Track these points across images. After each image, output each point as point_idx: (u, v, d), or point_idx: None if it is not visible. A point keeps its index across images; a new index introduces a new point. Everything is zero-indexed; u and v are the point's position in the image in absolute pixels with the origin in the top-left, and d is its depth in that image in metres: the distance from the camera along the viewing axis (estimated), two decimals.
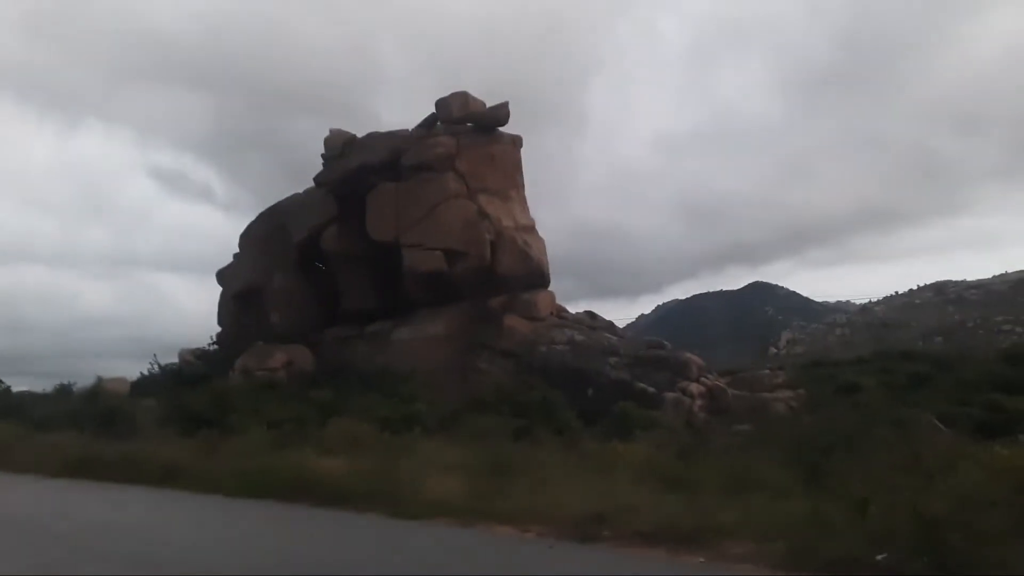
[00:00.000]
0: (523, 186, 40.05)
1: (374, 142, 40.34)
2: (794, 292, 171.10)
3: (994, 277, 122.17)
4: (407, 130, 40.37)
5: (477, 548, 9.33)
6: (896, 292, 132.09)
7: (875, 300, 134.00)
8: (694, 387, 30.21)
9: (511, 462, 13.20)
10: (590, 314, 39.61)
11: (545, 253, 38.00)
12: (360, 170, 39.43)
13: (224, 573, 7.99)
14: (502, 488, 11.75)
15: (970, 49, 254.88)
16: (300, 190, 44.58)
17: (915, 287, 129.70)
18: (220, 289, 46.91)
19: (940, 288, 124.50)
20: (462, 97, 39.19)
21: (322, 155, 42.00)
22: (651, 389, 30.19)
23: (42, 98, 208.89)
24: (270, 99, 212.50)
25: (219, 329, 46.25)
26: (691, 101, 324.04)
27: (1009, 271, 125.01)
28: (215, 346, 45.19)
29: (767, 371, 36.98)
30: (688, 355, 32.51)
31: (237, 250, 46.51)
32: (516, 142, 40.06)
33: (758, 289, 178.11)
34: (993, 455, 8.26)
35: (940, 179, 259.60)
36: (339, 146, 41.14)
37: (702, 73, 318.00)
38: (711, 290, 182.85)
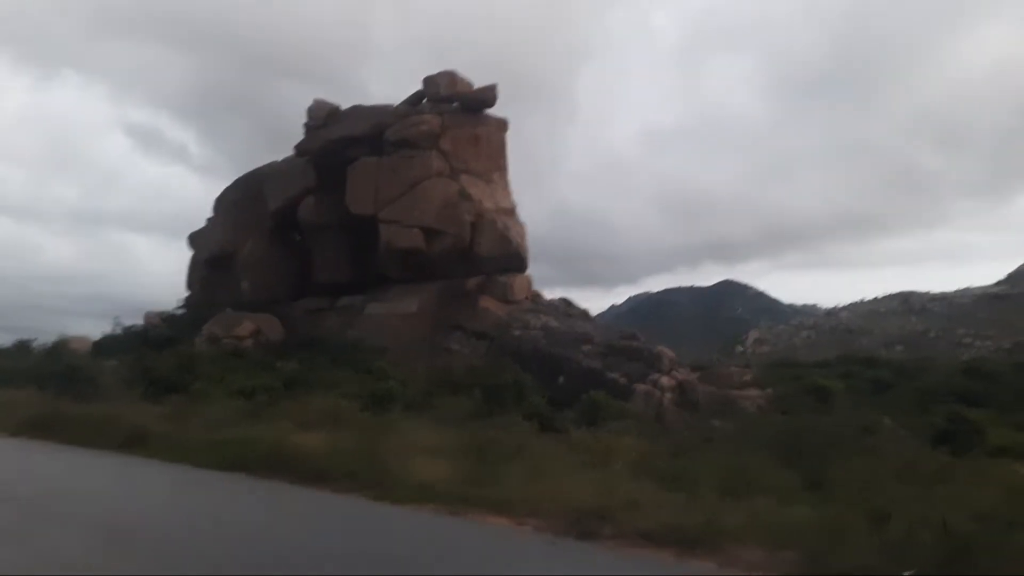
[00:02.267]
0: (506, 169, 39.83)
1: (358, 115, 39.88)
2: (763, 292, 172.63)
3: (958, 291, 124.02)
4: (392, 105, 39.91)
5: (471, 540, 8.79)
6: (863, 299, 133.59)
7: (842, 306, 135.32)
8: (665, 380, 30.23)
9: (500, 447, 12.81)
10: (565, 301, 39.55)
11: (524, 237, 37.85)
12: (342, 142, 39.00)
13: (193, 546, 7.57)
14: (492, 474, 11.31)
15: (956, 63, 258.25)
16: (278, 157, 44.10)
17: (881, 295, 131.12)
18: (191, 253, 46.22)
19: (905, 298, 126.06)
20: (450, 76, 38.81)
21: (305, 124, 41.43)
22: (622, 379, 30.17)
23: (18, 47, 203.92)
24: (254, 62, 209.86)
25: (187, 293, 45.59)
26: (680, 96, 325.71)
27: (973, 286, 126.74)
28: (182, 310, 44.52)
29: (735, 368, 37.13)
30: (661, 348, 32.51)
31: (211, 214, 45.81)
32: (502, 125, 39.77)
33: (729, 287, 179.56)
34: (1008, 473, 8.13)
35: (917, 191, 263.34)
36: (323, 116, 40.60)
37: (693, 69, 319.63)
38: (683, 285, 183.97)
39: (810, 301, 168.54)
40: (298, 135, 42.16)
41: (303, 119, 41.92)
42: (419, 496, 10.75)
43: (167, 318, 41.52)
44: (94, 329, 54.49)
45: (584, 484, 10.24)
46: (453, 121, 38.27)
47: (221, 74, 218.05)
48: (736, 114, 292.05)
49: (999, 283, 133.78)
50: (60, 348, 32.00)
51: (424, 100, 39.50)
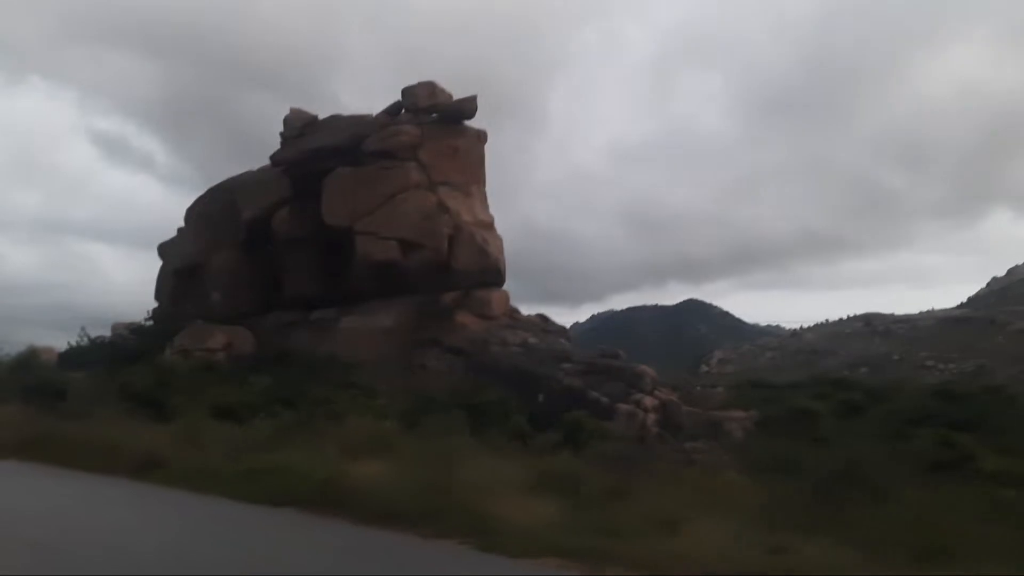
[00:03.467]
0: (484, 182, 38.94)
1: (336, 125, 38.85)
2: (727, 312, 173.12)
3: (921, 313, 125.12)
4: (370, 115, 38.91)
5: None
6: (827, 320, 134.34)
7: (806, 326, 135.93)
8: (648, 400, 29.38)
9: (593, 482, 11.12)
10: (543, 317, 38.65)
11: (502, 251, 36.94)
12: (319, 152, 37.89)
13: None
14: (605, 519, 9.38)
15: (924, 83, 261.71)
16: (246, 168, 42.92)
17: (845, 316, 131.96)
18: (160, 263, 44.69)
19: (869, 320, 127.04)
20: (429, 87, 37.91)
21: (280, 133, 40.25)
22: (604, 399, 29.26)
23: None
24: (223, 71, 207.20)
25: (154, 304, 44.03)
26: (650, 111, 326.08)
27: (935, 308, 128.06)
28: (150, 321, 42.96)
29: (710, 388, 36.44)
30: (643, 367, 31.70)
31: (179, 224, 44.38)
32: (481, 137, 38.93)
33: (693, 306, 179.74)
34: None
35: (881, 212, 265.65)
36: (299, 126, 39.48)
37: (664, 84, 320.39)
38: (647, 303, 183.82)
39: (773, 321, 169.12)
40: (266, 145, 41.05)
41: (273, 129, 40.92)
42: (533, 547, 8.79)
43: (135, 329, 39.97)
44: (56, 340, 52.06)
45: (720, 535, 8.55)
46: (432, 132, 37.36)
47: (189, 83, 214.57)
48: (705, 131, 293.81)
49: (960, 306, 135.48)
50: (30, 359, 29.95)
51: (402, 111, 38.53)
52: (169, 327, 38.15)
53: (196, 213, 42.94)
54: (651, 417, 28.89)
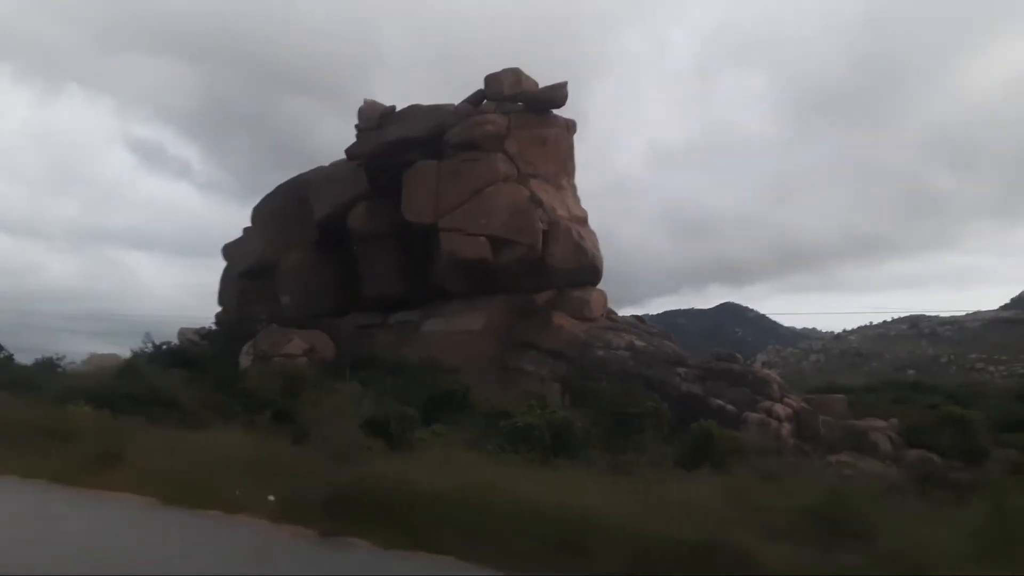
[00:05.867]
0: (574, 173, 35.61)
1: (415, 115, 35.61)
2: (764, 315, 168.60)
3: (967, 315, 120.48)
4: (452, 105, 35.67)
5: None
6: (871, 322, 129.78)
7: (849, 329, 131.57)
8: (779, 408, 25.89)
9: None
10: (639, 319, 35.24)
11: (598, 247, 33.54)
12: (398, 144, 34.71)
13: None
14: None
15: (970, 83, 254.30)
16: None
17: (890, 318, 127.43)
18: (224, 266, 41.79)
19: (914, 322, 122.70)
20: (514, 74, 34.61)
21: (356, 126, 37.09)
22: (729, 407, 25.83)
23: (23, 59, 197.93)
24: (261, 78, 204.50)
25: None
26: (691, 113, 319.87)
27: (980, 309, 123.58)
28: (214, 326, 40.06)
29: (833, 396, 32.78)
30: (767, 371, 28.25)
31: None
32: (570, 126, 35.65)
33: (729, 310, 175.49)
34: None
35: (927, 213, 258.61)
36: (375, 117, 36.27)
37: (706, 86, 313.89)
38: (683, 307, 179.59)
39: (809, 324, 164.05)
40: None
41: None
42: None
43: (206, 335, 36.93)
44: (96, 348, 48.44)
45: None
46: (519, 122, 34.07)
47: (227, 90, 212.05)
48: (747, 132, 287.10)
49: (1004, 307, 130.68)
50: (134, 366, 26.27)
51: (484, 100, 35.31)
52: (239, 331, 35.18)
53: (265, 212, 39.90)
54: (785, 427, 25.41)
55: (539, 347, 30.53)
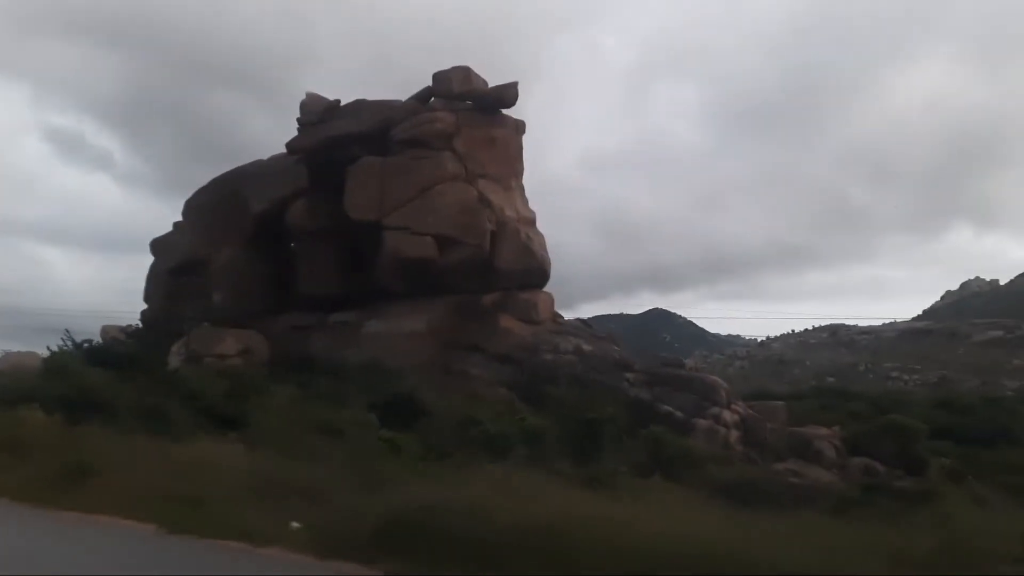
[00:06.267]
0: (523, 175, 34.88)
1: (360, 110, 34.35)
2: (691, 321, 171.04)
3: (884, 324, 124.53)
4: (399, 101, 34.54)
5: None
6: (793, 331, 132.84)
7: (773, 336, 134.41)
8: (727, 414, 25.61)
9: None
10: (584, 322, 34.69)
11: (546, 249, 32.88)
12: (341, 139, 33.44)
13: None
14: None
15: (891, 98, 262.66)
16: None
17: (811, 327, 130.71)
18: (151, 261, 39.70)
19: (834, 330, 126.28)
20: (464, 71, 33.66)
21: (297, 119, 35.57)
22: (677, 413, 25.43)
23: None
24: (187, 69, 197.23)
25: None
26: (623, 120, 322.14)
27: (896, 319, 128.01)
28: (139, 324, 38.00)
29: (773, 401, 32.77)
30: (714, 377, 28.00)
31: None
32: (519, 127, 34.87)
33: (657, 315, 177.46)
34: None
35: (848, 225, 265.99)
36: (318, 111, 34.83)
37: (638, 93, 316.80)
38: (613, 312, 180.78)
39: (734, 331, 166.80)
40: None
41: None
42: None
43: (132, 333, 34.87)
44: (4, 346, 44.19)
45: None
46: (467, 121, 33.16)
47: (152, 80, 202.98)
48: (677, 141, 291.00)
49: (917, 318, 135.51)
50: (59, 364, 24.08)
51: (432, 98, 34.30)
52: (168, 330, 33.31)
53: (196, 206, 37.98)
54: (734, 434, 25.13)
55: (485, 350, 29.69)
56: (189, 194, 38.68)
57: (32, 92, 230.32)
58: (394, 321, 31.48)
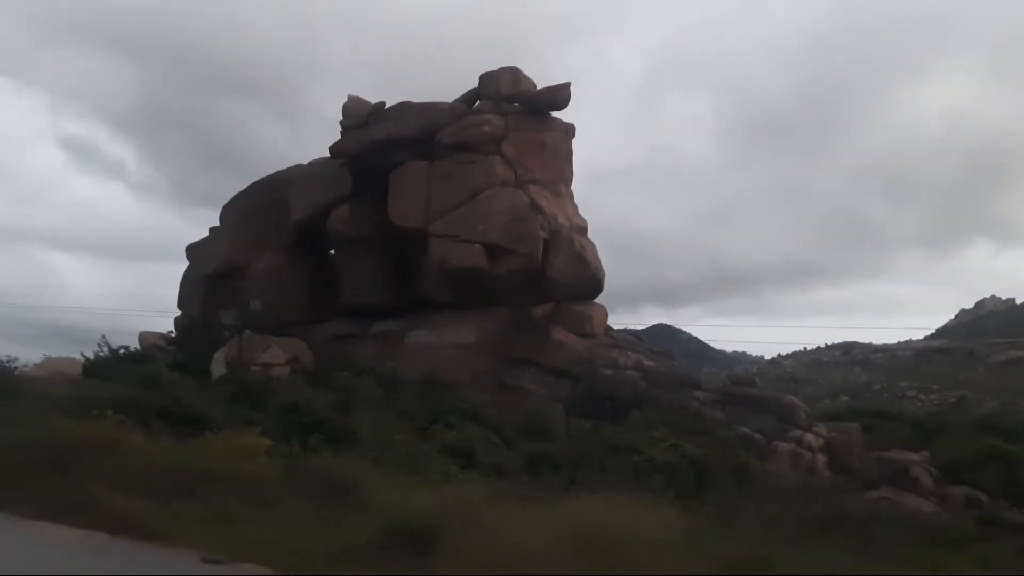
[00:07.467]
0: (571, 181, 32.94)
1: (406, 113, 32.46)
2: (695, 337, 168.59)
3: (899, 343, 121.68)
4: (445, 103, 32.67)
5: None
6: (804, 348, 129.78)
7: (784, 354, 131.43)
8: (811, 437, 23.46)
9: None
10: (637, 337, 32.63)
11: (599, 259, 30.90)
12: (386, 143, 31.60)
13: None
14: None
15: (908, 113, 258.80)
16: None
17: (823, 344, 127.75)
18: (187, 267, 37.77)
19: (848, 348, 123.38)
20: (512, 72, 31.87)
21: (340, 123, 33.75)
22: (757, 435, 23.30)
23: None
24: (201, 78, 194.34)
25: (178, 313, 37.18)
26: (633, 134, 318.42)
27: (909, 339, 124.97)
28: (172, 332, 36.10)
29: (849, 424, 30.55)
30: (791, 398, 25.88)
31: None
32: (569, 131, 33.00)
33: (662, 331, 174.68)
34: None
35: (861, 241, 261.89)
36: (362, 114, 33.03)
37: (648, 107, 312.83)
38: (618, 326, 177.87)
39: (740, 348, 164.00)
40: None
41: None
42: None
43: (173, 340, 32.97)
44: (17, 354, 41.07)
45: None
46: (516, 124, 31.34)
47: (165, 89, 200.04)
48: (687, 155, 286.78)
49: (930, 337, 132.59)
50: (159, 375, 21.51)
51: (479, 100, 32.46)
52: (207, 337, 31.39)
53: (235, 210, 36.17)
54: (820, 459, 22.97)
55: (540, 364, 27.69)
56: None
57: (48, 100, 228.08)
58: (441, 332, 29.64)
